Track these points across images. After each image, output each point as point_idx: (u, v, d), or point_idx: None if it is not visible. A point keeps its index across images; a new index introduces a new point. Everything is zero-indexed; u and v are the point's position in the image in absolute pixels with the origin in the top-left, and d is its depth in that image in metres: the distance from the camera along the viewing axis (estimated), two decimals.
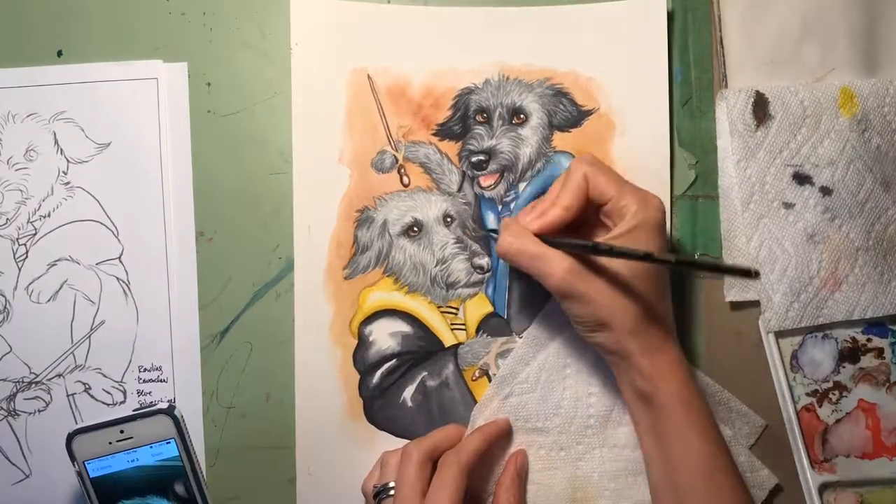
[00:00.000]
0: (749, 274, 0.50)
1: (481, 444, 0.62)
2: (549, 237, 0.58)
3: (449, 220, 0.66)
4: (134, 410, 0.63)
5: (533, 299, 0.66)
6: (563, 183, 0.60)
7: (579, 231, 0.61)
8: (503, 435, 0.65)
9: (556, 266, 0.57)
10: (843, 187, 0.66)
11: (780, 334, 0.66)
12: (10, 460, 0.66)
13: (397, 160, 0.66)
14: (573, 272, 0.56)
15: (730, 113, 0.66)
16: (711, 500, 0.57)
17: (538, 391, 0.65)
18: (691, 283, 0.67)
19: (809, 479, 0.65)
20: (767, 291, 0.65)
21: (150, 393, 0.66)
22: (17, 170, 0.66)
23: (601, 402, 0.65)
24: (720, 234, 0.67)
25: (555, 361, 0.65)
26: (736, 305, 0.67)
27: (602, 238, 0.58)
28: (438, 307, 0.66)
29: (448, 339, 0.66)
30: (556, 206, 0.59)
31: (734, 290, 0.66)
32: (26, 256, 0.66)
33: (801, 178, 0.65)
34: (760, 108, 0.65)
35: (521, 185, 0.66)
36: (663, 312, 0.59)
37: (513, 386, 0.65)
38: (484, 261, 0.66)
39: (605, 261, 0.57)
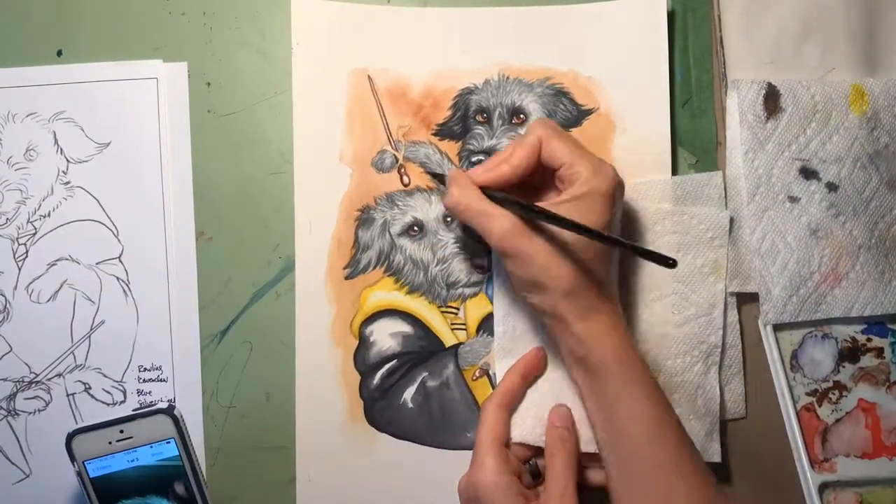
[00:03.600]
0: (667, 262, 0.52)
1: (515, 378, 0.63)
2: (494, 193, 0.59)
3: (449, 219, 0.66)
4: (134, 410, 0.63)
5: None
6: (517, 142, 0.60)
7: (532, 192, 0.62)
8: (537, 364, 0.64)
9: (498, 224, 0.57)
10: (849, 184, 0.66)
11: (778, 328, 0.66)
12: (10, 460, 0.66)
13: (397, 160, 0.66)
14: (514, 231, 0.57)
15: (741, 103, 0.66)
16: (655, 456, 0.57)
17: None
18: None
19: (809, 478, 0.65)
20: (767, 284, 0.65)
21: (150, 393, 0.66)
22: (16, 169, 0.66)
23: None
24: None
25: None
26: (736, 304, 0.67)
27: (549, 202, 0.58)
28: (439, 307, 0.66)
29: (448, 339, 0.66)
30: (506, 163, 0.59)
31: (735, 281, 0.66)
32: (26, 256, 0.66)
33: (808, 173, 0.66)
34: (772, 101, 0.65)
35: None
36: (603, 277, 0.59)
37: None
38: (484, 260, 0.66)
39: (548, 227, 0.57)
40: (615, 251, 0.60)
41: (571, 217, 0.55)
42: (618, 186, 0.59)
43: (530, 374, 0.64)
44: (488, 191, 0.59)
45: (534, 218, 0.57)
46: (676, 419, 0.58)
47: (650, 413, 0.57)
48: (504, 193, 0.59)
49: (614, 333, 0.58)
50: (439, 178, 0.65)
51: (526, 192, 0.61)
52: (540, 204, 0.57)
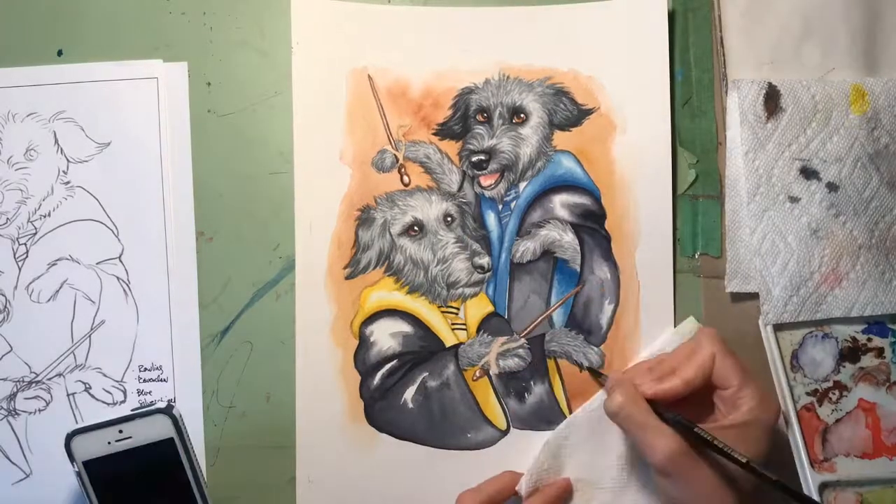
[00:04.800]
0: None
1: None
2: (660, 408, 0.57)
3: (449, 219, 0.66)
4: (133, 410, 0.63)
5: (533, 299, 0.66)
6: (688, 355, 0.59)
7: (684, 402, 0.59)
8: (565, 497, 0.63)
9: (665, 443, 0.55)
10: (849, 184, 0.66)
11: (778, 328, 0.66)
12: (10, 460, 0.66)
13: (398, 160, 0.66)
14: (680, 453, 0.55)
15: (741, 103, 0.66)
16: None
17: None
18: (691, 283, 0.67)
19: (809, 478, 0.65)
20: (767, 284, 0.65)
21: (150, 392, 0.66)
22: (17, 169, 0.66)
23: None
24: (721, 234, 0.67)
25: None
26: (736, 305, 0.67)
27: (711, 425, 0.57)
28: (439, 307, 0.66)
29: (449, 339, 0.66)
30: (677, 378, 0.58)
31: (735, 281, 0.66)
32: (26, 256, 0.66)
33: (809, 173, 0.66)
34: (772, 101, 0.65)
35: (522, 185, 0.66)
36: None
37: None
38: (484, 260, 0.66)
39: (710, 453, 0.55)
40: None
41: (736, 446, 0.54)
42: (777, 420, 0.58)
43: None
44: (654, 404, 0.58)
45: (700, 444, 0.55)
46: None
47: None
48: (674, 413, 0.57)
49: None
50: (596, 375, 0.64)
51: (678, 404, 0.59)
52: (703, 426, 0.56)
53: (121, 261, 0.66)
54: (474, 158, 0.66)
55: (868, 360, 0.67)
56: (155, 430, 0.63)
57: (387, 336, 0.66)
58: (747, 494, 0.56)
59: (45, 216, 0.66)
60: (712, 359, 0.58)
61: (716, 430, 0.56)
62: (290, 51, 0.66)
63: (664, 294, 0.66)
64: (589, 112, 0.66)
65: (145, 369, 0.66)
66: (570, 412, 0.66)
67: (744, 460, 0.53)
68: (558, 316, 0.66)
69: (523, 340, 0.66)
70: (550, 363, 0.66)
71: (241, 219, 0.66)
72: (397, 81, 0.66)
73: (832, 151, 0.66)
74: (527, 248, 0.66)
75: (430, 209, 0.66)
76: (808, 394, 0.66)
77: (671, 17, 0.66)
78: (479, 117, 0.67)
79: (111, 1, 0.67)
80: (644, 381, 0.59)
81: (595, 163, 0.66)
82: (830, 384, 0.67)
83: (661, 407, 0.58)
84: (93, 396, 0.66)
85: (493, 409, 0.66)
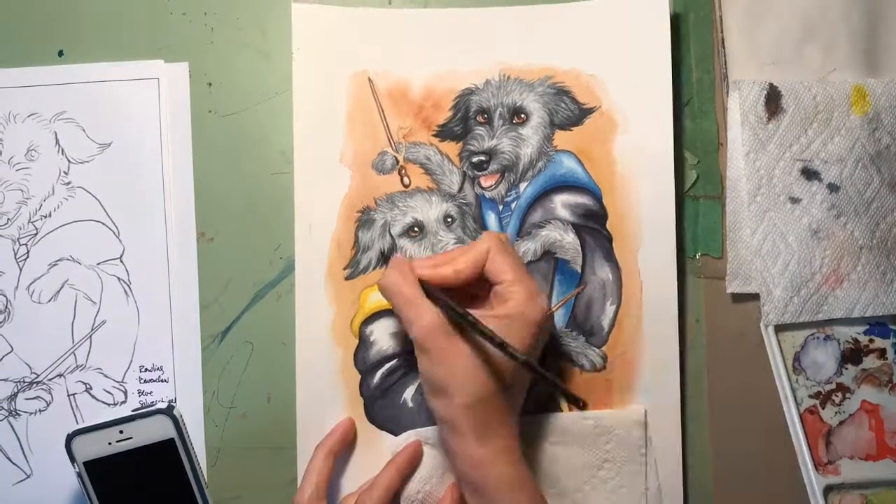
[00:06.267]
0: (577, 403, 0.53)
1: (394, 476, 0.62)
2: (429, 287, 0.59)
3: (450, 220, 0.66)
4: (133, 411, 0.63)
5: None
6: (465, 250, 0.61)
7: (466, 298, 0.62)
8: (416, 462, 0.63)
9: (424, 316, 0.57)
10: (850, 185, 0.66)
11: (779, 330, 0.66)
12: (10, 460, 0.66)
13: (398, 161, 0.66)
14: (435, 328, 0.57)
15: (742, 104, 0.66)
16: None
17: None
18: (693, 284, 0.67)
19: (814, 481, 0.65)
20: (768, 285, 0.65)
21: (150, 393, 0.66)
22: (18, 170, 0.66)
23: None
24: (722, 235, 0.67)
25: None
26: (737, 306, 0.66)
27: (479, 312, 0.58)
28: None
29: None
30: (450, 266, 0.60)
31: (736, 281, 0.66)
32: (27, 256, 0.66)
33: (810, 174, 0.65)
34: (773, 101, 0.65)
35: (522, 185, 0.66)
36: (509, 402, 0.59)
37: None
38: None
39: (470, 335, 0.57)
40: (526, 382, 0.61)
41: (498, 335, 0.55)
42: (546, 320, 0.59)
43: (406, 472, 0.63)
44: (425, 285, 0.59)
45: (461, 323, 0.57)
46: None
47: None
48: (440, 292, 0.59)
49: (510, 458, 0.58)
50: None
51: (459, 296, 0.61)
52: (470, 312, 0.57)
53: (121, 261, 0.66)
54: (475, 159, 0.66)
55: (870, 362, 0.66)
56: (155, 430, 0.63)
57: (387, 336, 0.66)
58: (498, 379, 0.57)
59: (45, 216, 0.66)
60: (486, 253, 0.60)
61: (483, 318, 0.57)
62: (291, 52, 0.66)
63: (667, 295, 0.66)
64: (590, 111, 0.66)
65: (146, 370, 0.66)
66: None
67: (497, 340, 0.54)
68: (559, 317, 0.66)
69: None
70: (551, 364, 0.66)
71: (242, 219, 0.67)
72: (397, 83, 0.67)
73: (833, 152, 0.66)
74: (527, 248, 0.66)
75: (431, 210, 0.66)
76: (810, 396, 0.66)
77: (673, 18, 0.66)
78: (480, 118, 0.67)
79: (112, 1, 0.67)
80: (421, 265, 0.60)
81: (596, 162, 0.66)
82: (833, 386, 0.66)
83: (433, 288, 0.59)
84: (93, 397, 0.66)
85: None
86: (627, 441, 0.65)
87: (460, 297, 0.60)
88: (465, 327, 0.57)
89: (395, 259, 0.62)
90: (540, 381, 0.62)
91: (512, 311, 0.58)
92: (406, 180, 0.66)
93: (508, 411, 0.59)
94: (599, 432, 0.65)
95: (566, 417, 0.65)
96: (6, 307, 0.66)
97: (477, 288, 0.61)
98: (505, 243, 0.61)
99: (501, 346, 0.55)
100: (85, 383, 0.66)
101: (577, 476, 0.65)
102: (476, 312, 0.57)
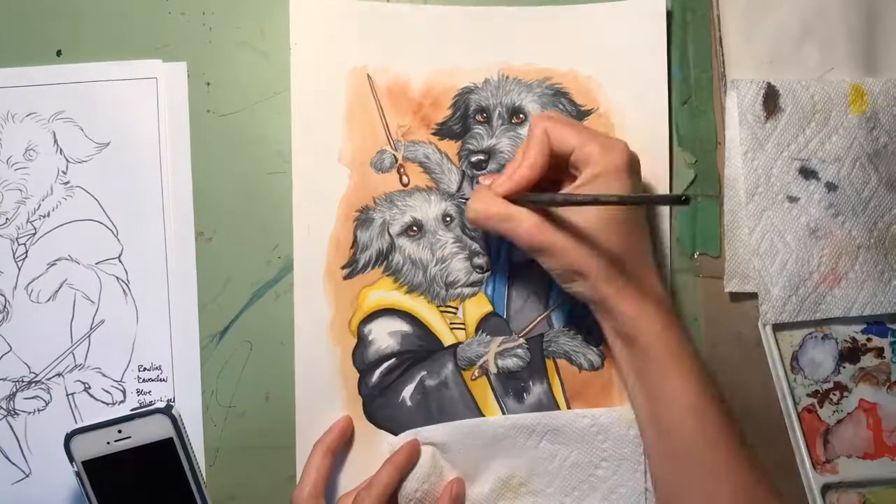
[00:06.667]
0: (680, 200, 0.50)
1: (392, 475, 0.62)
2: (515, 196, 0.59)
3: (448, 219, 0.66)
4: (132, 410, 0.63)
5: (533, 298, 0.66)
6: (526, 143, 0.61)
7: (555, 186, 0.62)
8: (413, 460, 0.64)
9: (523, 223, 0.58)
10: (848, 184, 0.66)
11: (777, 329, 0.66)
12: (9, 460, 0.66)
13: (397, 160, 0.66)
14: (540, 226, 0.58)
15: (740, 103, 0.66)
16: (698, 428, 0.58)
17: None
18: (691, 283, 0.67)
19: (811, 479, 0.65)
20: (766, 284, 0.65)
21: (149, 392, 0.66)
22: (16, 169, 0.66)
23: None
24: (720, 234, 0.67)
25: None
26: (735, 305, 0.66)
27: (568, 188, 0.59)
28: (438, 306, 0.66)
29: (447, 339, 0.66)
30: (522, 167, 0.59)
31: (734, 280, 0.66)
32: (26, 256, 0.66)
33: (807, 173, 0.66)
34: (771, 101, 0.65)
35: None
36: (639, 254, 0.60)
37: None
38: (483, 260, 0.66)
39: (572, 211, 0.58)
40: (644, 224, 0.62)
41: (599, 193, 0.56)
42: (631, 159, 0.59)
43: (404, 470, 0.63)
44: (512, 198, 0.59)
45: (555, 206, 0.58)
46: (720, 394, 0.59)
47: (694, 388, 0.58)
48: (522, 194, 0.59)
49: (659, 309, 0.59)
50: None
51: (545, 189, 0.61)
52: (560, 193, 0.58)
53: (120, 261, 0.66)
54: (473, 158, 0.66)
55: (868, 361, 0.67)
56: (154, 430, 0.63)
57: (385, 335, 0.66)
58: (618, 238, 0.58)
59: (44, 216, 0.66)
60: (545, 133, 0.60)
61: (574, 190, 0.58)
62: (290, 50, 0.66)
63: None
64: (588, 112, 0.66)
65: (145, 369, 0.66)
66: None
67: (589, 198, 0.54)
68: (557, 316, 0.66)
69: (522, 340, 0.66)
70: (549, 363, 0.66)
71: (240, 219, 0.66)
72: (397, 81, 0.67)
73: (831, 151, 0.66)
74: None
75: (429, 209, 0.66)
76: (808, 395, 0.66)
77: (670, 16, 0.66)
78: (479, 117, 0.67)
79: (110, 1, 0.67)
80: (498, 184, 0.60)
81: None
82: (831, 385, 0.67)
83: (520, 198, 0.59)
84: (92, 396, 0.66)
85: (492, 409, 0.66)
86: (625, 439, 0.65)
87: (556, 187, 0.61)
88: (562, 206, 0.57)
89: (475, 190, 0.62)
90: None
91: (595, 170, 0.58)
92: (405, 179, 0.66)
93: (642, 264, 0.60)
94: (596, 430, 0.65)
95: (562, 416, 0.65)
96: (5, 307, 0.66)
97: (561, 173, 0.62)
98: (556, 115, 0.62)
99: (596, 201, 0.54)
100: (83, 383, 0.66)
101: (574, 475, 0.65)
102: (566, 191, 0.59)
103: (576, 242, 0.58)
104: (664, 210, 0.66)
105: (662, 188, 0.66)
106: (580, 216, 0.58)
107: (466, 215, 0.61)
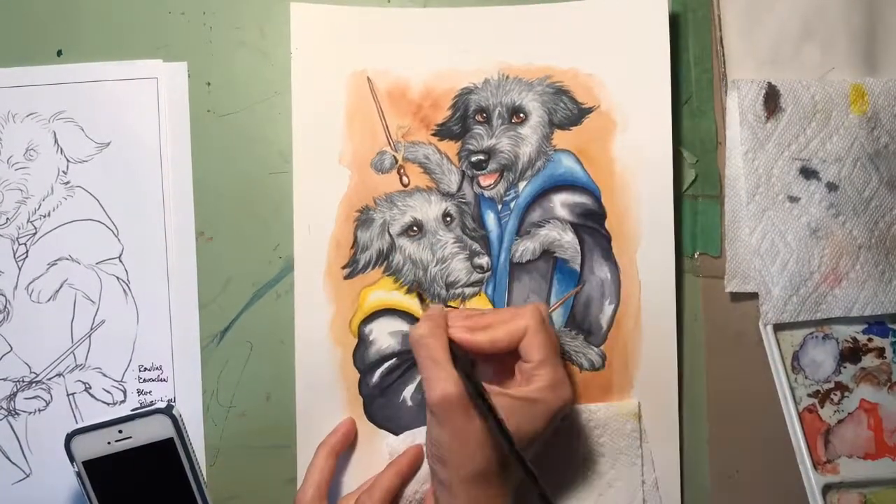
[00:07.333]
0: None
1: (394, 479, 0.62)
2: (458, 351, 0.58)
3: (449, 219, 0.66)
4: (133, 410, 0.63)
5: (533, 298, 0.66)
6: (506, 319, 0.60)
7: (491, 359, 0.61)
8: (417, 465, 0.63)
9: (443, 385, 0.56)
10: (848, 184, 0.66)
11: (778, 329, 0.66)
12: (10, 460, 0.66)
13: (397, 160, 0.66)
14: (452, 399, 0.55)
15: (741, 103, 0.66)
16: None
17: None
18: (691, 283, 0.67)
19: (812, 480, 0.65)
20: (767, 284, 0.65)
21: (150, 392, 0.66)
22: (16, 169, 0.66)
23: None
24: (720, 234, 0.67)
25: None
26: (736, 305, 0.66)
27: (504, 388, 0.58)
28: None
29: None
30: (487, 334, 0.59)
31: (734, 280, 0.66)
32: (26, 256, 0.66)
33: (808, 173, 0.66)
34: (772, 101, 0.65)
35: (521, 185, 0.66)
36: (507, 490, 0.58)
37: None
38: (483, 260, 0.66)
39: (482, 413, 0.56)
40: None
41: (514, 414, 0.55)
42: (566, 408, 0.59)
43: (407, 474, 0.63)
44: (454, 345, 0.58)
45: (476, 401, 0.55)
46: None
47: None
48: (469, 362, 0.58)
49: None
50: (421, 300, 0.64)
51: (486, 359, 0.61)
52: (491, 387, 0.57)
53: (120, 261, 0.66)
54: (473, 158, 0.66)
55: (869, 361, 0.67)
56: (155, 430, 0.63)
57: (386, 335, 0.66)
58: (501, 466, 0.56)
59: (44, 216, 0.66)
60: (523, 331, 0.59)
61: (504, 395, 0.57)
62: (290, 51, 0.66)
63: (666, 294, 0.66)
64: (589, 111, 0.66)
65: (145, 369, 0.66)
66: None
67: (504, 430, 0.54)
68: (558, 316, 0.66)
69: None
70: None
71: (241, 219, 0.67)
72: (396, 83, 0.67)
73: (832, 151, 0.66)
74: (526, 247, 0.66)
75: (430, 209, 0.66)
76: (809, 395, 0.66)
77: (672, 16, 0.66)
78: (479, 117, 0.67)
79: (111, 1, 0.67)
80: (457, 324, 0.59)
81: (595, 162, 0.66)
82: (832, 385, 0.67)
83: (461, 350, 0.58)
84: (93, 396, 0.66)
85: None
86: (622, 434, 0.65)
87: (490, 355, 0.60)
88: (480, 407, 0.55)
89: (430, 311, 0.60)
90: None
91: (533, 394, 0.57)
92: (405, 179, 0.66)
93: (505, 489, 0.58)
94: (594, 425, 0.65)
95: None
96: (5, 307, 0.66)
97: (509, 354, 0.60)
98: (544, 321, 0.60)
99: (505, 437, 0.54)
100: (84, 383, 0.66)
101: (571, 470, 0.65)
102: (496, 389, 0.57)
103: (470, 438, 0.55)
104: (665, 210, 0.66)
105: (665, 186, 0.66)
106: (481, 425, 0.55)
107: (411, 331, 0.59)
